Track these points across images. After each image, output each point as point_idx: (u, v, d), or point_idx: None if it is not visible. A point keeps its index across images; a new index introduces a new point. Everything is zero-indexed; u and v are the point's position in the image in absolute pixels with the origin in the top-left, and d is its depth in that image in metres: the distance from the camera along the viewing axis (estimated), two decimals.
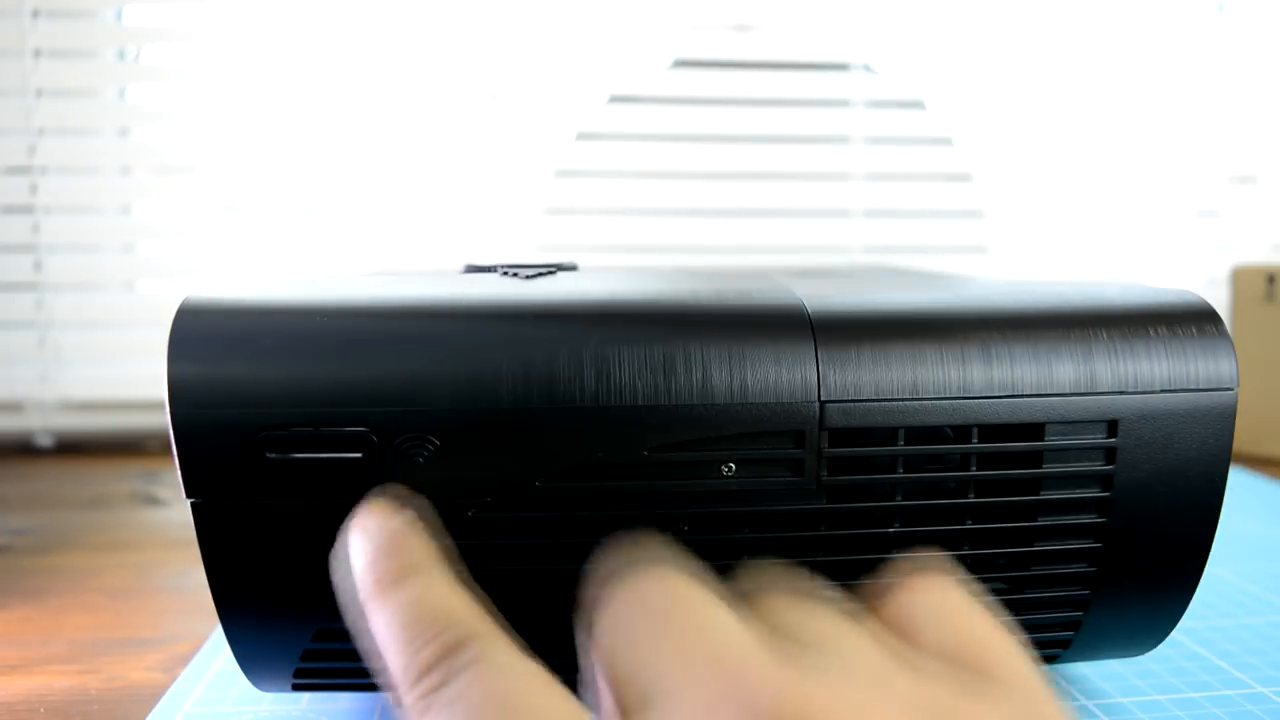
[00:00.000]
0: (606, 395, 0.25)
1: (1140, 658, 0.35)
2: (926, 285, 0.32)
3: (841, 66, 0.77)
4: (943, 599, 0.20)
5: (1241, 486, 0.59)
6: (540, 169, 0.75)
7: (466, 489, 0.25)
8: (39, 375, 0.72)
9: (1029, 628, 0.29)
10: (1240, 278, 0.70)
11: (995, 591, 0.28)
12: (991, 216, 0.79)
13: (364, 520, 0.23)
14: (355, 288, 0.27)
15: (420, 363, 0.24)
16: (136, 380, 0.73)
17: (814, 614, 0.20)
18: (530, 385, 0.25)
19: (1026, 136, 0.78)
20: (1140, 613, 0.29)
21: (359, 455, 0.24)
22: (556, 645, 0.27)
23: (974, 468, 0.27)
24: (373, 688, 0.30)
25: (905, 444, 0.26)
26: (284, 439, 0.24)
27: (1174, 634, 0.37)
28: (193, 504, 0.24)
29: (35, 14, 0.69)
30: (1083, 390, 0.27)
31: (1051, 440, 0.27)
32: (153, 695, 0.33)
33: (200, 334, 0.24)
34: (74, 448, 0.74)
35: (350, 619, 0.22)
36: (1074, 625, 0.29)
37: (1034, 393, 0.26)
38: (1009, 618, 0.28)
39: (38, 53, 0.70)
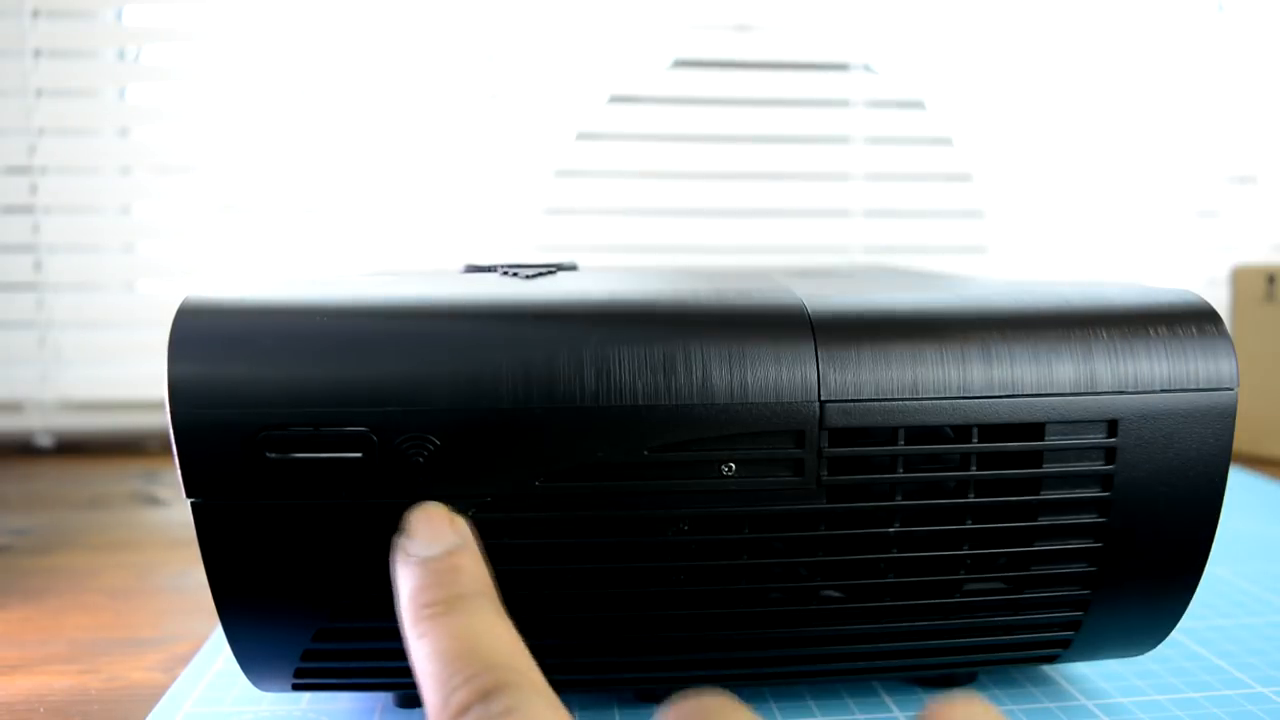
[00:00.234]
0: (606, 395, 0.25)
1: (1140, 658, 0.35)
2: (926, 285, 0.32)
3: (841, 66, 0.77)
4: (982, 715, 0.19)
5: (1241, 486, 0.59)
6: (540, 169, 0.75)
7: (466, 489, 0.25)
8: (39, 375, 0.72)
9: (1029, 628, 0.29)
10: (1240, 278, 0.70)
11: (995, 591, 0.28)
12: (991, 216, 0.79)
13: (417, 532, 0.23)
14: (355, 288, 0.27)
15: (420, 363, 0.24)
16: (136, 380, 0.73)
17: None
18: (530, 385, 0.25)
19: (1026, 136, 0.78)
20: (1140, 613, 0.29)
21: (359, 455, 0.24)
22: (557, 645, 0.27)
23: (974, 467, 0.27)
24: (373, 688, 0.30)
25: (905, 444, 0.26)
26: (284, 439, 0.24)
27: (1174, 634, 0.37)
28: (193, 504, 0.24)
29: (35, 14, 0.69)
30: (1083, 390, 0.27)
31: (1051, 440, 0.27)
32: (153, 695, 0.33)
33: (200, 334, 0.24)
34: (74, 448, 0.74)
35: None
36: (1074, 625, 0.29)
37: (1034, 392, 0.26)
38: (1009, 618, 0.29)
39: (38, 53, 0.70)
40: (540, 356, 0.25)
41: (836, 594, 0.28)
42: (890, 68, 0.78)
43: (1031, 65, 0.77)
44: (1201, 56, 0.79)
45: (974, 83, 0.78)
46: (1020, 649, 0.30)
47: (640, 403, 0.25)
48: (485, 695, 0.19)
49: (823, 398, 0.26)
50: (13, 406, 0.73)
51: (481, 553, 0.23)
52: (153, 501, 0.59)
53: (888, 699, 0.32)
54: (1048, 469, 0.27)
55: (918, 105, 0.78)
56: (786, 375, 0.25)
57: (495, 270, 0.35)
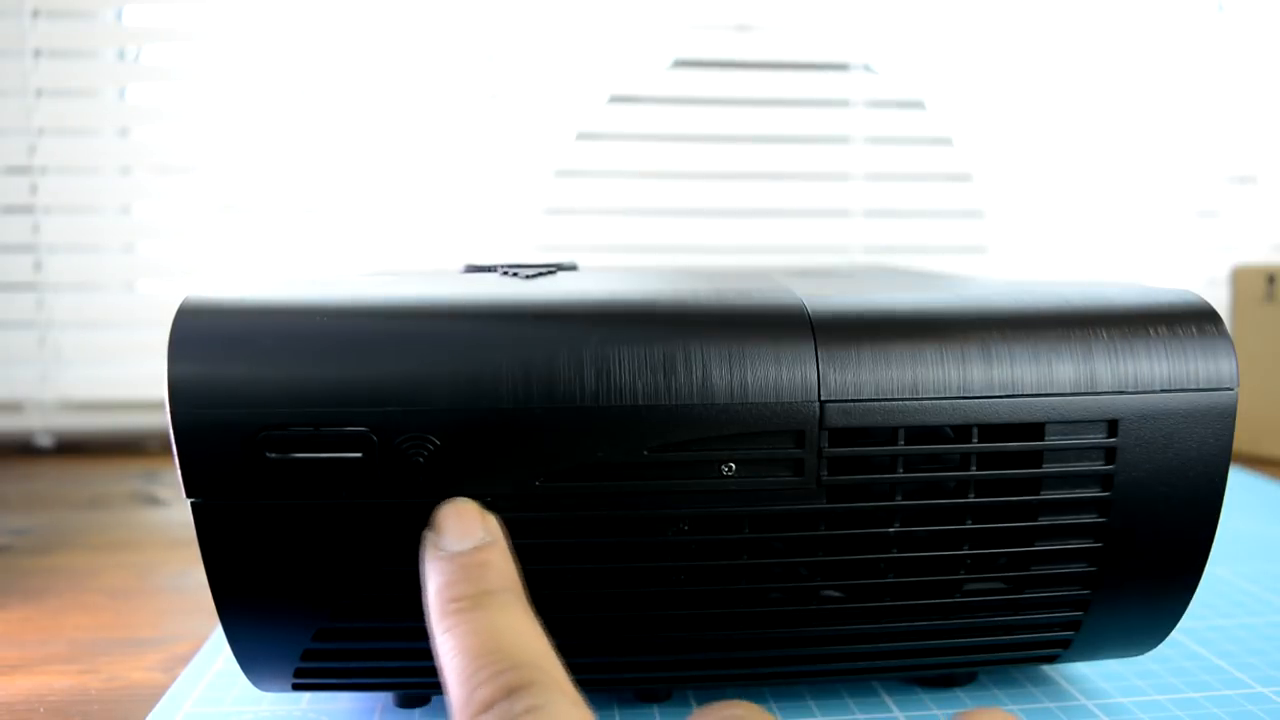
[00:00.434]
0: (606, 395, 0.25)
1: (1140, 658, 0.35)
2: (926, 285, 0.32)
3: (841, 66, 0.77)
4: None
5: (1241, 486, 0.59)
6: (540, 169, 0.75)
7: (466, 489, 0.25)
8: (39, 375, 0.72)
9: (1029, 628, 0.29)
10: (1240, 278, 0.70)
11: (995, 591, 0.28)
12: (991, 216, 0.79)
13: (447, 527, 0.23)
14: (355, 288, 0.27)
15: (420, 363, 0.24)
16: (136, 380, 0.73)
17: None
18: (530, 385, 0.25)
19: (1026, 136, 0.78)
20: (1140, 613, 0.29)
21: (359, 455, 0.24)
22: (557, 645, 0.27)
23: (974, 467, 0.27)
24: (373, 688, 0.30)
25: (905, 444, 0.26)
26: (284, 439, 0.24)
27: (1174, 634, 0.37)
28: (193, 504, 0.24)
29: (35, 14, 0.69)
30: (1083, 390, 0.27)
31: (1051, 440, 0.27)
32: (153, 695, 0.33)
33: (200, 334, 0.24)
34: (74, 448, 0.74)
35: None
36: (1074, 625, 0.29)
37: (1034, 392, 0.26)
38: (1009, 618, 0.29)
39: (38, 53, 0.70)
40: (540, 356, 0.25)
41: (836, 594, 0.28)
42: (890, 68, 0.78)
43: (1031, 65, 0.77)
44: (1201, 56, 0.79)
45: (974, 83, 0.78)
46: (1020, 649, 0.30)
47: (640, 403, 0.25)
48: (509, 692, 0.19)
49: (823, 398, 0.26)
50: (13, 406, 0.73)
51: (512, 551, 0.23)
52: (153, 501, 0.59)
53: (888, 699, 0.32)
54: (1048, 469, 0.27)
55: (918, 105, 0.78)
56: (786, 375, 0.25)
57: (495, 270, 0.35)
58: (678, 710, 0.31)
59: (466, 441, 0.25)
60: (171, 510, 0.57)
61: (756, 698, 0.32)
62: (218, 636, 0.37)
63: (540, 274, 0.33)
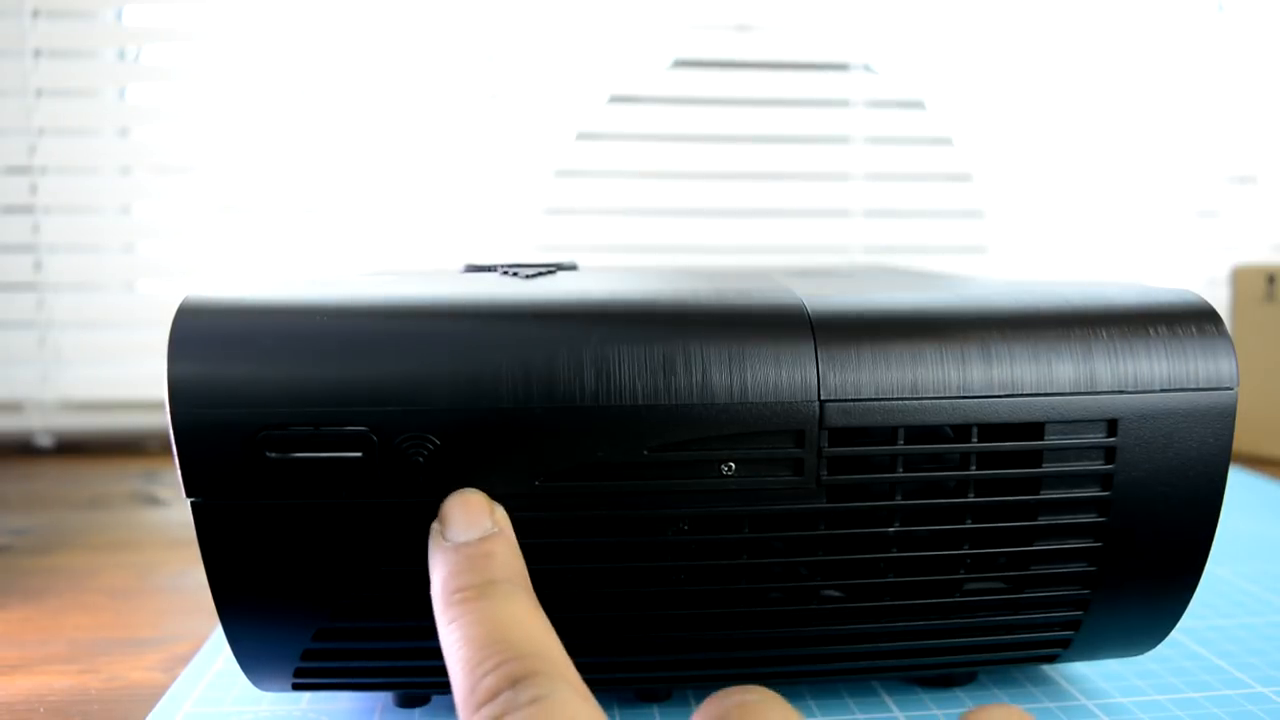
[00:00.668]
0: (606, 395, 0.25)
1: (1140, 658, 0.35)
2: (926, 285, 0.32)
3: (841, 66, 0.77)
4: None
5: (1241, 486, 0.59)
6: (540, 169, 0.75)
7: (466, 489, 0.25)
8: (39, 375, 0.72)
9: (1029, 627, 0.29)
10: (1240, 278, 0.70)
11: (995, 591, 0.28)
12: (991, 216, 0.79)
13: (453, 518, 0.23)
14: (355, 288, 0.27)
15: (420, 363, 0.24)
16: (136, 380, 0.73)
17: None
18: (530, 385, 0.25)
19: (1026, 136, 0.78)
20: (1140, 612, 0.29)
21: (359, 455, 0.24)
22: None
23: (974, 467, 0.27)
24: (373, 688, 0.30)
25: (905, 443, 0.26)
26: (284, 439, 0.24)
27: (1174, 634, 0.37)
28: (193, 504, 0.24)
29: (35, 14, 0.69)
30: (1083, 390, 0.27)
31: (1051, 440, 0.27)
32: (153, 695, 0.33)
33: (200, 334, 0.24)
34: (74, 448, 0.74)
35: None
36: (1074, 625, 0.29)
37: (1034, 392, 0.26)
38: (1009, 618, 0.29)
39: (38, 53, 0.70)
40: (540, 356, 0.25)
41: (836, 594, 0.28)
42: (890, 68, 0.78)
43: (1031, 65, 0.77)
44: (1201, 56, 0.79)
45: (974, 83, 0.78)
46: (1020, 649, 0.30)
47: (640, 403, 0.25)
48: (514, 682, 0.19)
49: (823, 397, 0.26)
50: (13, 406, 0.73)
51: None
52: (153, 501, 0.59)
53: (888, 699, 0.32)
54: (1047, 469, 0.27)
55: (918, 105, 0.78)
56: (786, 375, 0.25)
57: (495, 270, 0.35)
58: (678, 710, 0.31)
59: (466, 441, 0.25)
60: (171, 510, 0.57)
61: None
62: (218, 636, 0.37)
63: (540, 274, 0.33)
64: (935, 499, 0.27)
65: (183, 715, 0.31)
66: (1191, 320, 0.28)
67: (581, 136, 0.76)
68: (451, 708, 0.32)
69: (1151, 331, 0.27)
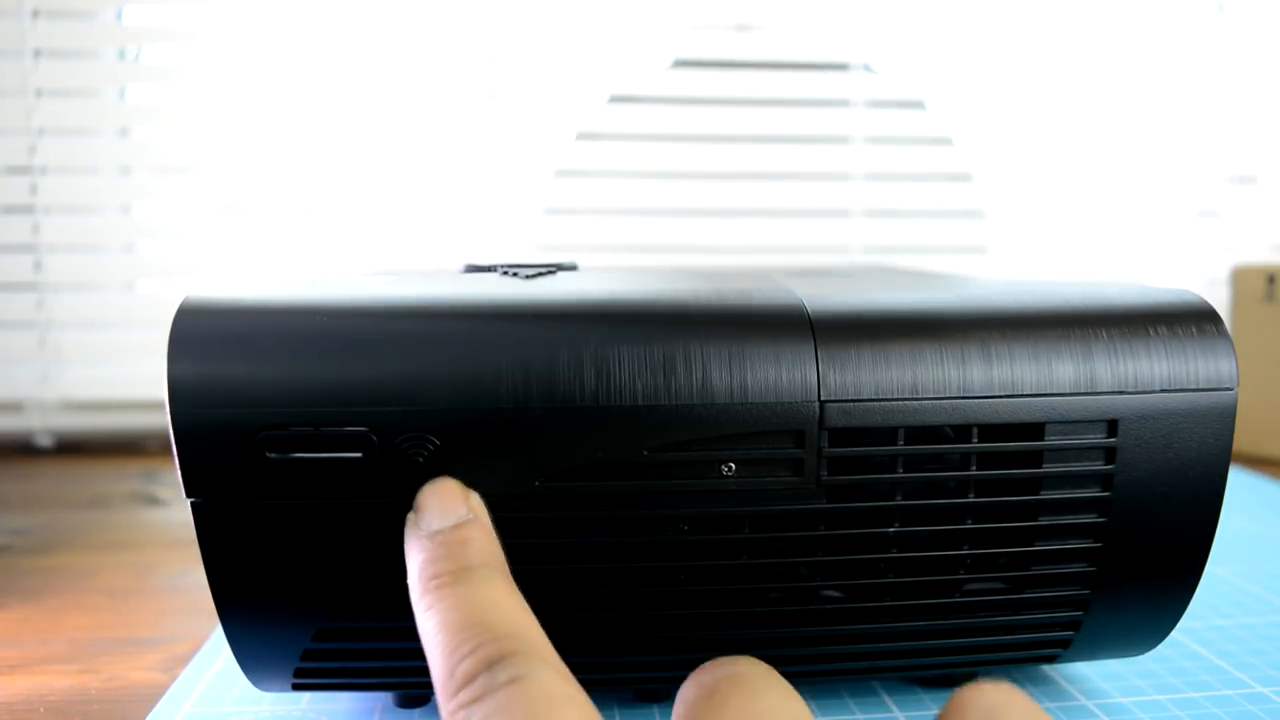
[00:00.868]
0: (606, 395, 0.25)
1: (1140, 658, 0.35)
2: (926, 285, 0.32)
3: (841, 66, 0.77)
4: (1008, 698, 0.19)
5: (1241, 486, 0.59)
6: (540, 169, 0.75)
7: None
8: (39, 375, 0.72)
9: (1029, 628, 0.29)
10: (1240, 278, 0.70)
11: (995, 591, 0.28)
12: (991, 216, 0.79)
13: (427, 507, 0.23)
14: (355, 288, 0.27)
15: (420, 363, 0.24)
16: (136, 380, 0.73)
17: None
18: (530, 385, 0.25)
19: (1026, 136, 0.78)
20: (1140, 613, 0.29)
21: (359, 455, 0.24)
22: (557, 645, 0.27)
23: (974, 467, 0.27)
24: (373, 688, 0.30)
25: (905, 444, 0.26)
26: (284, 439, 0.24)
27: (1174, 634, 0.37)
28: (193, 504, 0.24)
29: (35, 14, 0.69)
30: (1083, 390, 0.27)
31: (1051, 440, 0.27)
32: (153, 695, 0.33)
33: (200, 334, 0.24)
34: (74, 448, 0.74)
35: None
36: (1074, 625, 0.29)
37: (1034, 392, 0.26)
38: (1009, 618, 0.29)
39: (38, 53, 0.70)
40: (540, 356, 0.25)
41: (836, 594, 0.28)
42: (890, 68, 0.78)
43: (1031, 65, 0.77)
44: (1201, 56, 0.79)
45: (974, 83, 0.78)
46: (1020, 649, 0.30)
47: (640, 403, 0.25)
48: (491, 664, 0.19)
49: (823, 398, 0.26)
50: (13, 406, 0.73)
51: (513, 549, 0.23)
52: (153, 501, 0.59)
53: (888, 699, 0.32)
54: (1048, 469, 0.27)
55: (918, 105, 0.78)
56: (786, 375, 0.25)
57: (495, 270, 0.35)
58: None
59: (466, 441, 0.25)
60: (171, 510, 0.57)
61: None
62: (218, 636, 0.37)
63: (540, 274, 0.33)
64: (935, 499, 0.27)
65: (183, 715, 0.31)
66: (1191, 320, 0.28)
67: (581, 136, 0.76)
68: None
69: (1151, 331, 0.27)
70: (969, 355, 0.26)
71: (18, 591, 0.43)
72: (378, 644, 0.27)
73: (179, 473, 0.24)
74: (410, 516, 0.24)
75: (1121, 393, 0.27)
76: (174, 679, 0.34)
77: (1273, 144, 0.81)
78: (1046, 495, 0.27)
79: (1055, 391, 0.27)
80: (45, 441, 0.74)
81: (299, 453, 0.24)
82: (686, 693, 0.19)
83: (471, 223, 0.75)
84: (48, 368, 0.72)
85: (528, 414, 0.25)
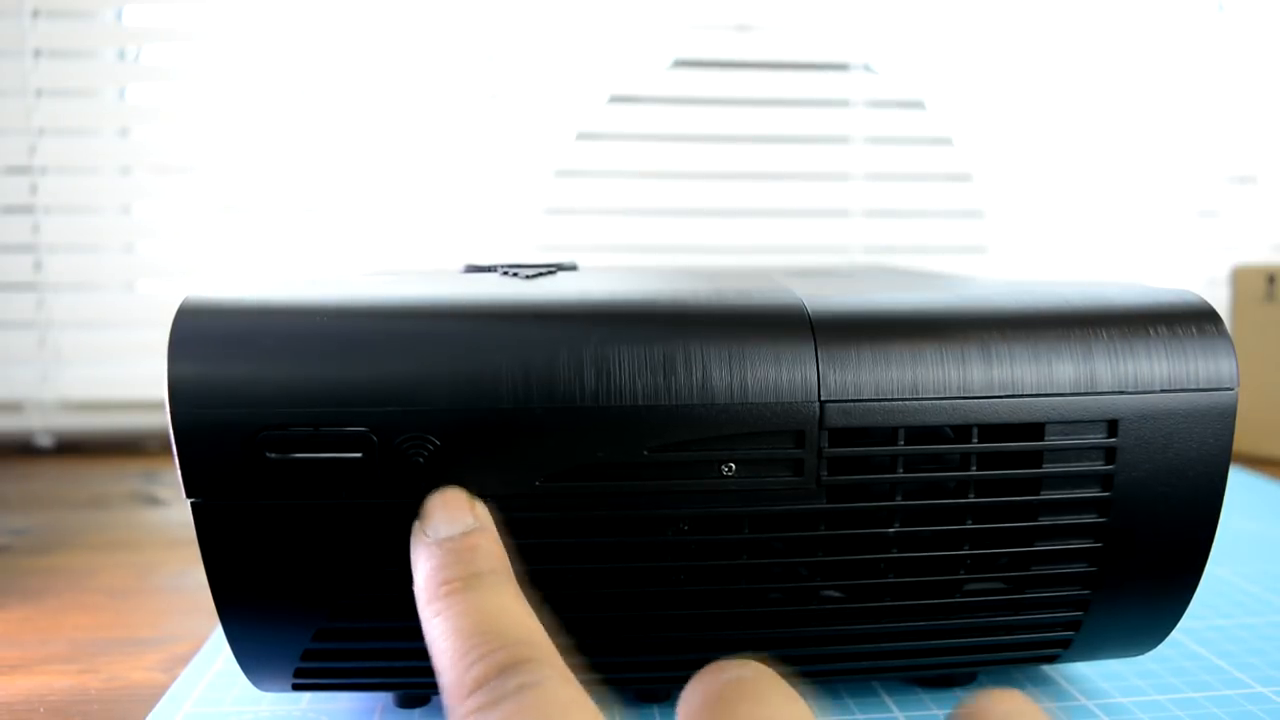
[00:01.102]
0: (606, 395, 0.25)
1: (1140, 658, 0.35)
2: (926, 285, 0.32)
3: (841, 66, 0.77)
4: (1021, 708, 0.18)
5: (1241, 486, 0.59)
6: (540, 169, 0.75)
7: (466, 489, 0.25)
8: (39, 375, 0.72)
9: (1029, 628, 0.29)
10: (1240, 278, 0.70)
11: (995, 591, 0.28)
12: (991, 216, 0.79)
13: (435, 515, 0.23)
14: (355, 288, 0.27)
15: (420, 363, 0.24)
16: (136, 380, 0.73)
17: None
18: (530, 385, 0.25)
19: (1026, 136, 0.78)
20: (1140, 613, 0.29)
21: (359, 455, 0.24)
22: (557, 645, 0.27)
23: (974, 468, 0.27)
24: (373, 688, 0.30)
25: (905, 444, 0.26)
26: (284, 439, 0.24)
27: (1174, 634, 0.37)
28: (193, 504, 0.24)
29: (35, 14, 0.69)
30: (1083, 390, 0.27)
31: (1051, 440, 0.27)
32: (153, 695, 0.33)
33: (200, 334, 0.24)
34: (74, 448, 0.74)
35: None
36: (1074, 625, 0.29)
37: (1034, 393, 0.26)
38: (1009, 618, 0.29)
39: (38, 53, 0.70)
40: (540, 356, 0.25)
41: (836, 594, 0.28)
42: (890, 68, 0.78)
43: (1031, 65, 0.77)
44: (1201, 56, 0.79)
45: (974, 83, 0.78)
46: (1020, 649, 0.30)
47: (640, 403, 0.25)
48: (502, 670, 0.18)
49: (823, 398, 0.26)
50: (13, 406, 0.73)
51: (513, 549, 0.23)
52: (153, 501, 0.59)
53: (888, 699, 0.32)
54: (1048, 469, 0.27)
55: (918, 105, 0.78)
56: (786, 375, 0.25)
57: (495, 270, 0.35)
58: None
59: (466, 441, 0.25)
60: (171, 510, 0.57)
61: None
62: (218, 636, 0.37)
63: (540, 274, 0.33)
64: (935, 499, 0.27)
65: (183, 715, 0.31)
66: (1191, 320, 0.28)
67: (581, 136, 0.76)
68: None
69: (1151, 331, 0.27)
70: (969, 355, 0.26)
71: (18, 591, 0.43)
72: (378, 644, 0.27)
73: (179, 473, 0.24)
74: (417, 525, 0.24)
75: (1121, 393, 0.27)
76: (174, 679, 0.34)
77: (1273, 144, 0.81)
78: (1047, 495, 0.27)
79: (1055, 391, 0.27)
80: (45, 441, 0.74)
81: (299, 453, 0.24)
82: (689, 698, 0.19)
83: (471, 223, 0.75)
84: (48, 368, 0.72)
85: (528, 414, 0.25)
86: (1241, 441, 0.67)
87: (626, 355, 0.25)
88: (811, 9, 0.75)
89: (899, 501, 0.27)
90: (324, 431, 0.24)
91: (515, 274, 0.33)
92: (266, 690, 0.29)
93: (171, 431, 0.24)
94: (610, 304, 0.26)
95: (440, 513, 0.23)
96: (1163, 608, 0.29)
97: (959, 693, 0.32)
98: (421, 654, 0.27)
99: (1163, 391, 0.27)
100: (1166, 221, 0.81)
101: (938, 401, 0.26)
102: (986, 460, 0.27)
